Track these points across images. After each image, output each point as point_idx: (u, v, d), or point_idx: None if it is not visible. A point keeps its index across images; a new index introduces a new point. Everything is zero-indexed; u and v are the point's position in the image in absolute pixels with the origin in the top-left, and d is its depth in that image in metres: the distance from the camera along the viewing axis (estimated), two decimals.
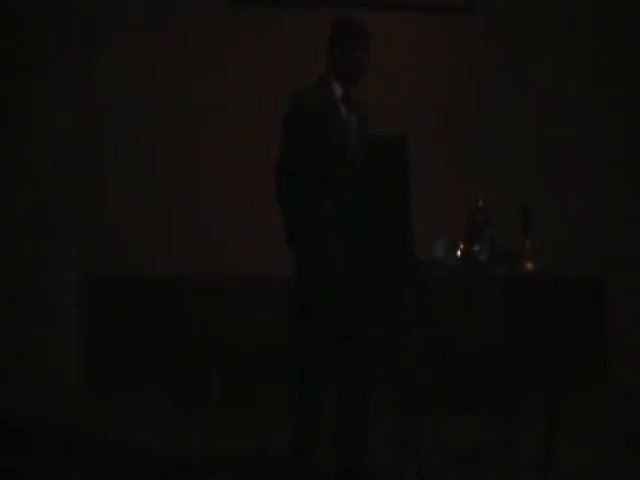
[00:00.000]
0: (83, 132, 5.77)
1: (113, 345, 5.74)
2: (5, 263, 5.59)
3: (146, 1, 5.84)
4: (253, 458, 4.18)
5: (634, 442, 4.39)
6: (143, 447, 4.32)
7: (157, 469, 4.01)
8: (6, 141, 5.63)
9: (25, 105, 5.64)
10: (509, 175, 5.82)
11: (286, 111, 3.64)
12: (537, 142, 5.93)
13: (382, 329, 3.78)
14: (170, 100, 5.80)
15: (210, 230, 5.75)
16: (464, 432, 4.54)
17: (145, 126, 5.81)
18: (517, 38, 5.94)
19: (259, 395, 5.50)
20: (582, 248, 5.76)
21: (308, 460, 3.62)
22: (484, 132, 5.90)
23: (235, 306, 5.76)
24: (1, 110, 5.63)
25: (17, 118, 5.64)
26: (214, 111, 5.82)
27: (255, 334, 5.72)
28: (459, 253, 3.71)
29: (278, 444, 4.02)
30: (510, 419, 4.01)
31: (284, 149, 3.64)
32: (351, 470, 3.69)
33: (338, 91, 3.68)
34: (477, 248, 3.70)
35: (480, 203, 3.78)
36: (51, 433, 4.59)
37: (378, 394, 3.89)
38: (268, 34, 5.86)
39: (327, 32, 3.73)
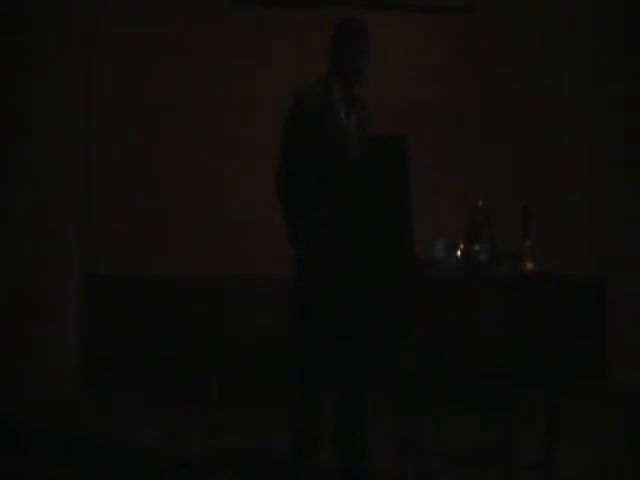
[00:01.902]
0: (83, 132, 5.76)
1: (113, 345, 5.74)
2: (5, 263, 5.59)
3: (146, 1, 5.83)
4: (253, 458, 4.18)
5: (634, 442, 4.39)
6: (143, 447, 4.32)
7: (157, 469, 4.01)
8: (6, 141, 5.63)
9: (25, 105, 5.64)
10: (509, 175, 5.81)
11: (287, 111, 3.64)
12: (537, 142, 5.93)
13: (382, 329, 3.78)
14: (170, 100, 5.80)
15: (210, 230, 5.75)
16: (464, 432, 4.55)
17: (145, 126, 5.81)
18: (517, 38, 5.93)
19: (259, 395, 5.50)
20: (582, 248, 5.76)
21: (308, 460, 3.62)
22: (484, 132, 5.90)
23: (235, 306, 5.76)
24: (1, 110, 5.63)
25: (17, 118, 5.64)
26: (214, 111, 5.81)
27: (255, 334, 5.71)
28: (459, 253, 3.71)
29: (278, 444, 4.02)
30: (510, 419, 4.01)
31: (285, 149, 3.64)
32: (351, 470, 3.69)
33: (339, 91, 3.67)
34: (477, 248, 3.70)
35: (480, 203, 3.79)
36: (51, 433, 4.59)
37: (378, 394, 3.89)
38: (268, 34, 5.86)
39: (327, 32, 3.73)
